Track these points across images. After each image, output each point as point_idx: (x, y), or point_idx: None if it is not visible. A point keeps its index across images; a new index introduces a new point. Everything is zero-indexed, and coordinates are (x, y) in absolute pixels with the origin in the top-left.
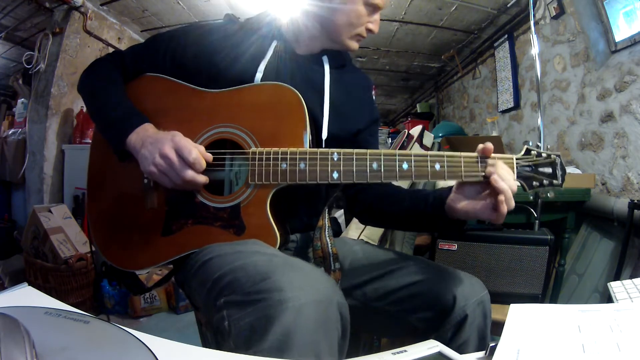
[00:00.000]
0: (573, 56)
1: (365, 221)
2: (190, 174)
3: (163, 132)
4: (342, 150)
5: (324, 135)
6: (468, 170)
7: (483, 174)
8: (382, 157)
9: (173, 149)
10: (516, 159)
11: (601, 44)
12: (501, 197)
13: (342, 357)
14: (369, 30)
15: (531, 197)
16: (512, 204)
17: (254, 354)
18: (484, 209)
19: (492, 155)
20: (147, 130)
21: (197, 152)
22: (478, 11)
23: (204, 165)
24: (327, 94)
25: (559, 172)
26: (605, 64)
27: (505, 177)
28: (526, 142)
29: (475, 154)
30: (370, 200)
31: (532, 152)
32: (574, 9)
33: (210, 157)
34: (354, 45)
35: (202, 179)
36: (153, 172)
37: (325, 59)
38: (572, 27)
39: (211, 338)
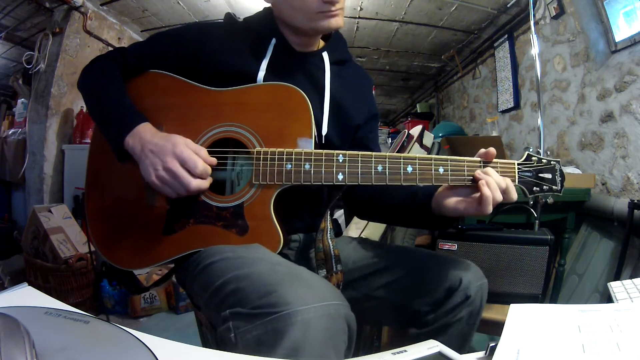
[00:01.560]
0: (573, 56)
1: (360, 215)
2: (195, 184)
3: (162, 136)
4: (347, 152)
5: (324, 131)
6: (471, 175)
7: None
8: (387, 159)
9: (177, 161)
10: (517, 164)
11: (601, 44)
12: (482, 182)
13: None
14: (327, 2)
15: (531, 202)
16: (498, 195)
17: None
18: (471, 203)
19: (495, 160)
20: (145, 132)
21: (203, 163)
22: (478, 11)
23: (209, 172)
24: (327, 91)
25: (558, 178)
26: (605, 64)
27: (493, 173)
28: (527, 148)
29: (478, 159)
30: (364, 195)
31: (533, 157)
32: (574, 9)
33: (214, 161)
34: (327, 23)
35: (208, 184)
36: (156, 184)
37: (325, 55)
38: (572, 27)
39: (211, 338)
